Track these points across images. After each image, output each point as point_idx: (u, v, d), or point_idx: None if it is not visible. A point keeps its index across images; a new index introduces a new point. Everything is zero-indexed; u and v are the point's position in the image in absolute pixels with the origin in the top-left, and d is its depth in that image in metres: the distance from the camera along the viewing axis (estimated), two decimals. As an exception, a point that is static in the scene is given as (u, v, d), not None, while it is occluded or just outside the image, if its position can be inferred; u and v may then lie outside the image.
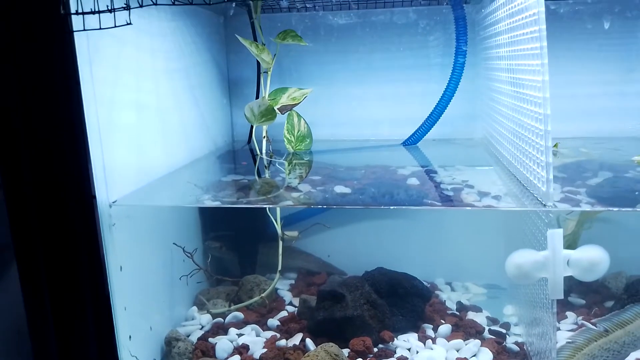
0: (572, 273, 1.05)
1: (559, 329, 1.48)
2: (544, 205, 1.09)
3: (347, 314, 1.36)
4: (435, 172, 1.73)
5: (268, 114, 1.71)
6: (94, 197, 1.14)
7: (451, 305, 1.64)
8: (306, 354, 1.26)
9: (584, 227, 1.65)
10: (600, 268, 1.04)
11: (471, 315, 1.55)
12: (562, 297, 1.06)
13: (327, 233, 1.94)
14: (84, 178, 1.14)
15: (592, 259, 1.03)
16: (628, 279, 1.63)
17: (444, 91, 1.84)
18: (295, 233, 1.71)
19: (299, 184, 1.56)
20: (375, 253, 1.77)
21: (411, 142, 1.92)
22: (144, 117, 1.40)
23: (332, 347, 1.26)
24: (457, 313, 1.58)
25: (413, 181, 1.53)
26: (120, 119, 1.28)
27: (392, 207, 1.57)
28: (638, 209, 1.28)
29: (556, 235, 1.02)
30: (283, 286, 1.78)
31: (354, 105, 2.01)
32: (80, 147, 1.14)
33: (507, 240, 1.72)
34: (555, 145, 1.74)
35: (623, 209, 1.35)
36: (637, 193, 1.37)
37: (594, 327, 1.24)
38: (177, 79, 1.65)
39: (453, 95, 1.84)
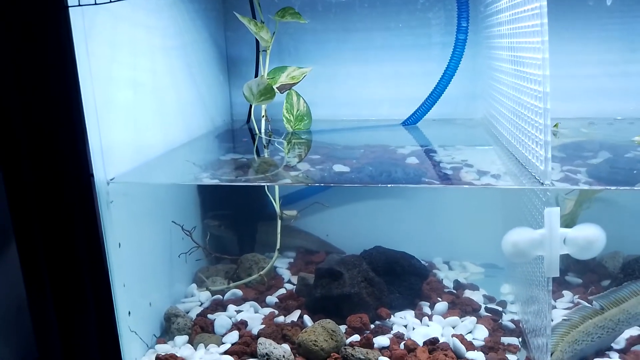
0: (568, 251, 1.05)
1: (555, 307, 1.49)
2: (542, 184, 1.09)
3: (345, 291, 1.37)
4: (435, 152, 1.73)
5: (267, 93, 1.70)
6: (92, 175, 1.14)
7: (448, 283, 1.66)
8: (304, 330, 1.27)
9: (583, 207, 1.65)
10: (597, 246, 1.04)
11: (468, 293, 1.57)
12: (558, 275, 1.06)
13: (326, 212, 1.94)
14: (81, 156, 1.14)
15: (589, 237, 1.03)
16: (625, 258, 1.64)
17: (444, 70, 1.83)
18: (294, 212, 1.72)
19: (298, 162, 1.56)
20: (374, 232, 1.78)
21: (411, 122, 1.90)
22: (140, 95, 1.39)
23: (329, 323, 1.27)
24: (454, 291, 1.59)
25: (412, 160, 1.53)
26: (116, 96, 1.27)
27: (390, 186, 1.56)
28: (636, 188, 1.29)
29: (553, 214, 1.02)
30: (282, 264, 1.79)
31: (354, 85, 1.99)
32: (77, 125, 1.13)
33: (505, 219, 1.73)
34: (555, 126, 1.73)
35: (621, 188, 1.36)
36: (635, 172, 1.37)
37: (590, 305, 1.26)
38: (174, 56, 1.63)
39: (454, 75, 1.82)
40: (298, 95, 1.86)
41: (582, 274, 1.66)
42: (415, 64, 1.93)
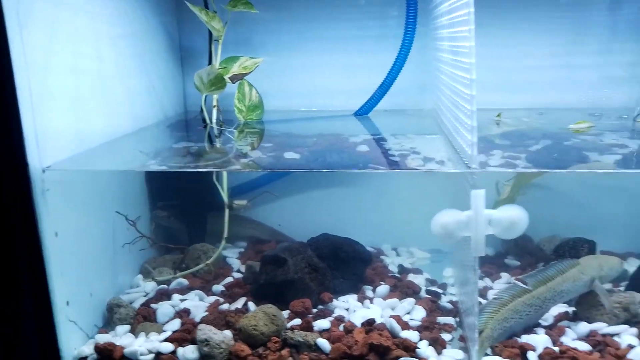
0: (493, 232, 1.10)
1: (492, 288, 1.56)
2: (469, 168, 1.13)
3: (288, 277, 1.40)
4: (385, 140, 1.77)
5: (217, 82, 1.70)
6: (27, 163, 1.13)
7: (394, 268, 1.71)
8: (245, 316, 1.29)
9: (520, 193, 1.72)
10: (520, 227, 1.09)
11: (411, 277, 1.62)
12: (483, 254, 1.11)
13: (278, 202, 1.96)
14: (15, 144, 1.13)
15: (512, 218, 1.09)
16: (560, 241, 1.72)
17: (393, 62, 1.87)
18: (244, 202, 1.73)
19: (249, 151, 1.57)
20: (325, 221, 1.81)
21: (362, 112, 1.94)
22: (83, 83, 1.37)
23: (270, 308, 1.30)
24: (398, 275, 1.64)
25: (363, 148, 1.57)
26: (55, 84, 1.25)
27: (337, 171, 1.59)
28: (558, 170, 1.34)
29: (479, 196, 1.07)
30: (232, 254, 1.81)
31: (308, 76, 2.01)
32: (10, 113, 1.12)
33: (449, 205, 1.79)
34: (498, 115, 1.80)
35: (548, 170, 1.41)
36: (567, 158, 1.43)
37: (519, 284, 1.32)
38: (122, 45, 1.62)
39: (402, 66, 1.86)
40: (250, 85, 1.87)
41: (521, 257, 1.74)
42: (368, 55, 1.96)
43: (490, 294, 1.49)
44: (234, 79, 1.78)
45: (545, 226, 1.80)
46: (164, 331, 1.31)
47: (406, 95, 1.96)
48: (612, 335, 1.27)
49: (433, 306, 1.44)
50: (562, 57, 1.90)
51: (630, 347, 1.21)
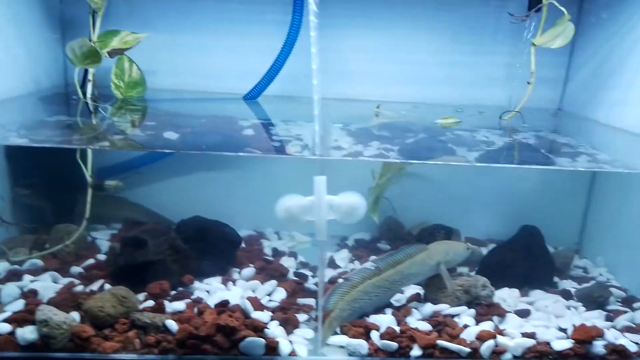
0: (334, 217, 1.14)
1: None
2: (317, 155, 1.16)
3: (147, 259, 1.37)
4: (274, 126, 1.77)
5: (91, 55, 1.62)
6: None
7: (270, 252, 1.73)
8: (92, 297, 1.25)
9: (392, 182, 1.80)
10: (359, 212, 1.14)
11: (284, 260, 1.65)
12: (325, 239, 1.15)
13: (158, 184, 1.91)
14: None
15: (351, 204, 1.13)
16: (421, 228, 1.79)
17: (281, 47, 1.86)
18: (114, 182, 1.67)
19: (127, 128, 1.51)
20: (206, 204, 1.78)
21: (251, 96, 1.92)
22: None
23: (120, 289, 1.26)
24: (271, 258, 1.66)
25: (249, 132, 1.56)
26: None
27: (206, 153, 1.55)
28: (411, 162, 1.41)
29: (320, 182, 1.10)
30: (104, 236, 1.74)
31: (198, 55, 1.95)
32: None
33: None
34: (377, 107, 1.85)
35: (403, 160, 1.48)
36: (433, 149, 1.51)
37: (370, 267, 1.38)
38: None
39: (290, 52, 1.86)
40: (131, 61, 1.79)
41: (392, 241, 1.82)
42: (261, 38, 1.93)
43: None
44: (113, 53, 1.70)
45: (417, 213, 1.90)
46: (5, 311, 1.24)
47: (297, 82, 1.96)
48: (453, 316, 1.36)
49: (298, 288, 1.47)
50: (444, 55, 2.00)
51: (465, 326, 1.30)
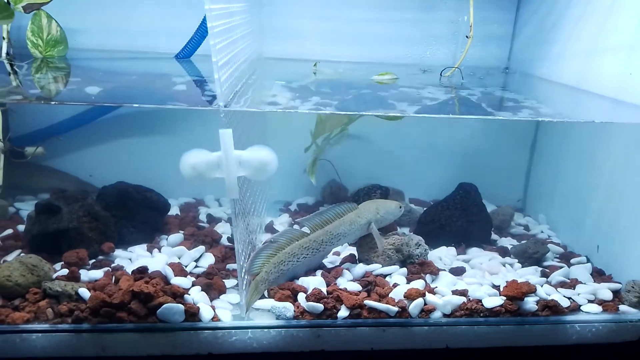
0: (244, 173, 1.07)
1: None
2: (221, 106, 1.08)
3: (62, 226, 1.30)
4: (208, 83, 1.68)
5: (2, 10, 1.49)
6: None
7: (205, 218, 1.67)
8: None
9: (331, 143, 1.74)
10: (270, 168, 1.08)
11: (220, 226, 1.59)
12: (237, 197, 1.09)
13: (90, 150, 1.82)
14: None
15: (262, 159, 1.07)
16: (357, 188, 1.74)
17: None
18: (34, 149, 1.56)
19: (46, 84, 1.40)
20: (142, 170, 1.70)
21: (184, 55, 1.82)
22: None
23: (30, 258, 1.19)
24: (205, 225, 1.60)
25: (180, 87, 1.47)
26: None
27: (134, 105, 1.46)
28: (338, 112, 1.34)
29: (226, 135, 1.03)
30: (29, 207, 1.65)
31: (127, 12, 1.83)
32: None
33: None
34: (314, 65, 1.78)
35: (317, 111, 1.38)
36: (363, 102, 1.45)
37: (297, 228, 1.33)
38: None
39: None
40: (49, 17, 1.66)
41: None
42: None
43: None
44: (28, 8, 1.57)
45: (361, 176, 1.85)
46: None
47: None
48: (385, 275, 1.33)
49: (227, 252, 1.42)
50: (387, 12, 1.91)
51: (395, 285, 1.27)
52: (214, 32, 1.01)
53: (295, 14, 1.89)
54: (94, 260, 1.32)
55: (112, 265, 1.31)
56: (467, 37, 1.61)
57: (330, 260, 1.42)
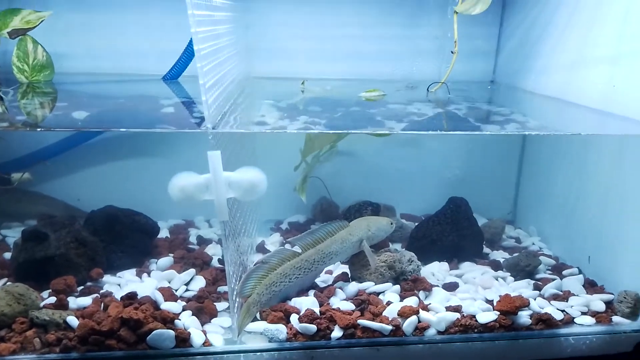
0: (234, 195, 1.07)
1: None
2: (211, 127, 1.08)
3: (49, 253, 1.27)
4: (196, 104, 1.68)
5: (-13, 37, 1.49)
6: None
7: (195, 240, 1.65)
8: (-18, 296, 1.15)
9: (321, 160, 1.74)
10: (260, 189, 1.07)
11: (210, 248, 1.57)
12: (227, 218, 1.08)
13: (78, 175, 1.80)
14: None
15: (251, 180, 1.06)
16: (349, 205, 1.74)
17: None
18: (20, 175, 1.54)
19: (32, 110, 1.39)
20: (130, 193, 1.68)
21: (171, 76, 1.82)
22: None
23: (16, 287, 1.17)
24: (195, 247, 1.58)
25: (169, 110, 1.47)
26: None
27: (126, 131, 1.45)
28: (332, 131, 1.34)
29: (215, 157, 1.02)
30: (16, 234, 1.62)
31: (115, 36, 1.84)
32: None
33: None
34: (302, 83, 1.78)
35: (327, 131, 1.40)
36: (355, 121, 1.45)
37: (288, 248, 1.32)
38: None
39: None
40: (35, 42, 1.66)
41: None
42: (180, 15, 1.83)
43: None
44: (14, 34, 1.58)
45: (352, 192, 1.84)
46: None
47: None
48: (378, 293, 1.32)
49: (218, 274, 1.40)
50: (373, 29, 1.93)
51: (388, 303, 1.26)
52: (200, 55, 1.02)
53: (282, 34, 1.90)
54: (82, 287, 1.30)
55: (101, 291, 1.29)
56: (452, 52, 1.63)
57: (322, 279, 1.41)
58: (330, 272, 1.46)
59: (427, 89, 1.75)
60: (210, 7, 1.22)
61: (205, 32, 1.10)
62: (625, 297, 1.30)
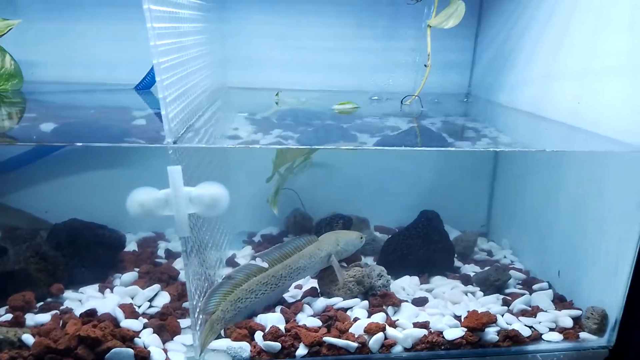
0: (195, 210, 1.04)
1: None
2: (173, 142, 1.06)
3: (7, 268, 1.24)
4: None
5: (-48, 45, 1.45)
6: None
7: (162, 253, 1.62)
8: None
9: (294, 172, 1.72)
10: (222, 204, 1.05)
11: (178, 262, 1.54)
12: (188, 234, 1.05)
13: (45, 186, 1.76)
14: None
15: (213, 195, 1.04)
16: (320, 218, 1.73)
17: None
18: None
19: None
20: (100, 205, 1.63)
21: (144, 86, 1.79)
22: None
23: (-31, 304, 1.13)
24: (163, 261, 1.55)
25: (140, 122, 1.44)
26: None
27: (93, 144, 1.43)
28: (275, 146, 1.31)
29: (175, 172, 1.00)
30: (-21, 246, 1.58)
31: (87, 45, 1.81)
32: None
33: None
34: (277, 94, 1.77)
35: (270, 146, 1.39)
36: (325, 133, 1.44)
37: (255, 263, 1.30)
38: None
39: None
40: (3, 50, 1.62)
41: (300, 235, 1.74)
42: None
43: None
44: (-19, 42, 1.54)
45: (326, 205, 1.82)
46: None
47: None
48: (346, 309, 1.30)
49: (186, 291, 1.36)
50: (348, 41, 1.94)
51: (355, 320, 1.24)
52: (160, 69, 1.00)
53: (258, 44, 1.89)
54: (41, 303, 1.26)
55: (61, 307, 1.25)
56: (425, 65, 1.63)
57: (291, 294, 1.39)
58: (299, 287, 1.44)
59: (401, 102, 1.75)
60: (175, 19, 1.20)
61: (167, 45, 1.09)
62: (592, 314, 1.30)
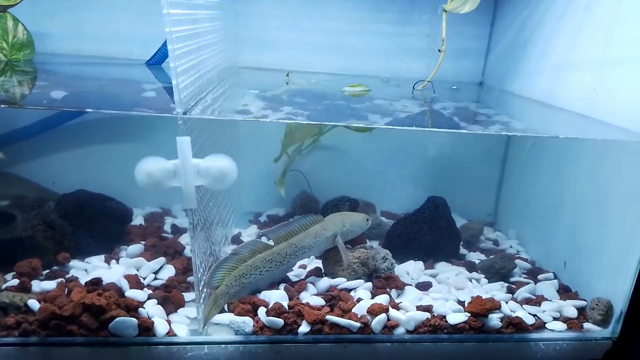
0: (203, 182, 1.04)
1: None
2: (183, 113, 1.05)
3: (15, 235, 1.25)
4: None
5: (-35, 12, 1.45)
6: None
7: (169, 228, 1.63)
8: (-60, 277, 1.13)
9: (303, 154, 1.72)
10: (230, 177, 1.05)
11: (184, 237, 1.55)
12: (195, 206, 1.05)
13: (54, 157, 1.77)
14: None
15: (221, 168, 1.04)
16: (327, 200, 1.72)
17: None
18: (-6, 154, 1.51)
19: (10, 88, 1.35)
20: (108, 178, 1.64)
21: (155, 61, 1.79)
22: None
23: (-23, 268, 1.15)
24: (169, 235, 1.56)
25: (150, 94, 1.44)
26: None
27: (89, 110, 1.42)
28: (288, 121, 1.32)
29: (184, 143, 1.00)
30: (-12, 214, 1.59)
31: (100, 19, 1.80)
32: None
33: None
34: (287, 75, 1.76)
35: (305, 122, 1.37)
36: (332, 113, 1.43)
37: (260, 240, 1.30)
38: None
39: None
40: (16, 20, 1.62)
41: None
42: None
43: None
44: (-7, 11, 1.54)
45: (333, 187, 1.82)
46: None
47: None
48: (350, 290, 1.30)
49: (191, 265, 1.35)
50: (362, 24, 1.91)
51: (359, 300, 1.24)
52: (172, 38, 0.99)
53: (271, 24, 1.87)
54: (48, 271, 1.27)
55: (67, 276, 1.26)
56: (439, 50, 1.61)
57: (295, 274, 1.39)
58: (304, 267, 1.44)
59: (413, 87, 1.73)
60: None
61: (180, 15, 1.08)
62: (597, 304, 1.29)
